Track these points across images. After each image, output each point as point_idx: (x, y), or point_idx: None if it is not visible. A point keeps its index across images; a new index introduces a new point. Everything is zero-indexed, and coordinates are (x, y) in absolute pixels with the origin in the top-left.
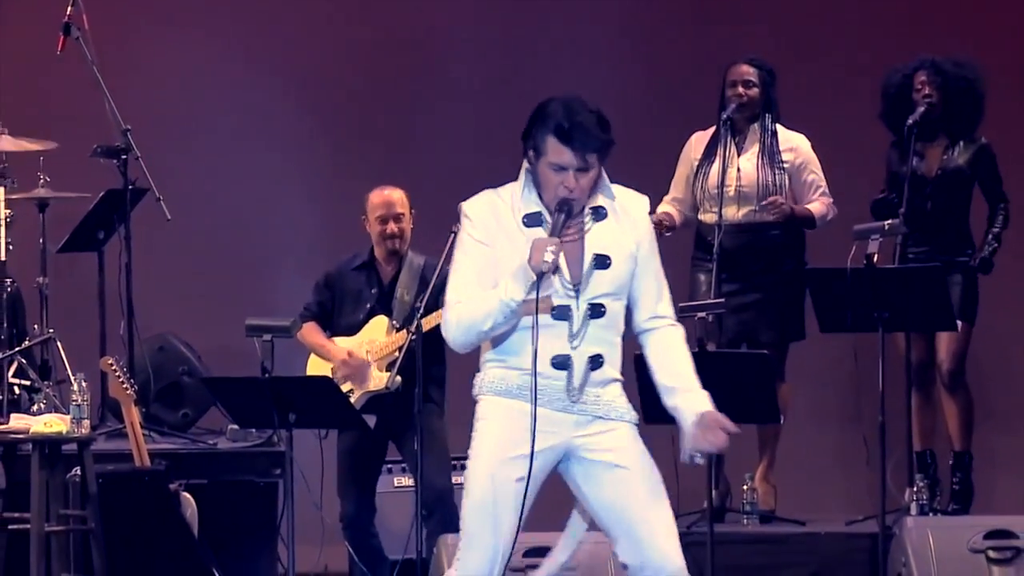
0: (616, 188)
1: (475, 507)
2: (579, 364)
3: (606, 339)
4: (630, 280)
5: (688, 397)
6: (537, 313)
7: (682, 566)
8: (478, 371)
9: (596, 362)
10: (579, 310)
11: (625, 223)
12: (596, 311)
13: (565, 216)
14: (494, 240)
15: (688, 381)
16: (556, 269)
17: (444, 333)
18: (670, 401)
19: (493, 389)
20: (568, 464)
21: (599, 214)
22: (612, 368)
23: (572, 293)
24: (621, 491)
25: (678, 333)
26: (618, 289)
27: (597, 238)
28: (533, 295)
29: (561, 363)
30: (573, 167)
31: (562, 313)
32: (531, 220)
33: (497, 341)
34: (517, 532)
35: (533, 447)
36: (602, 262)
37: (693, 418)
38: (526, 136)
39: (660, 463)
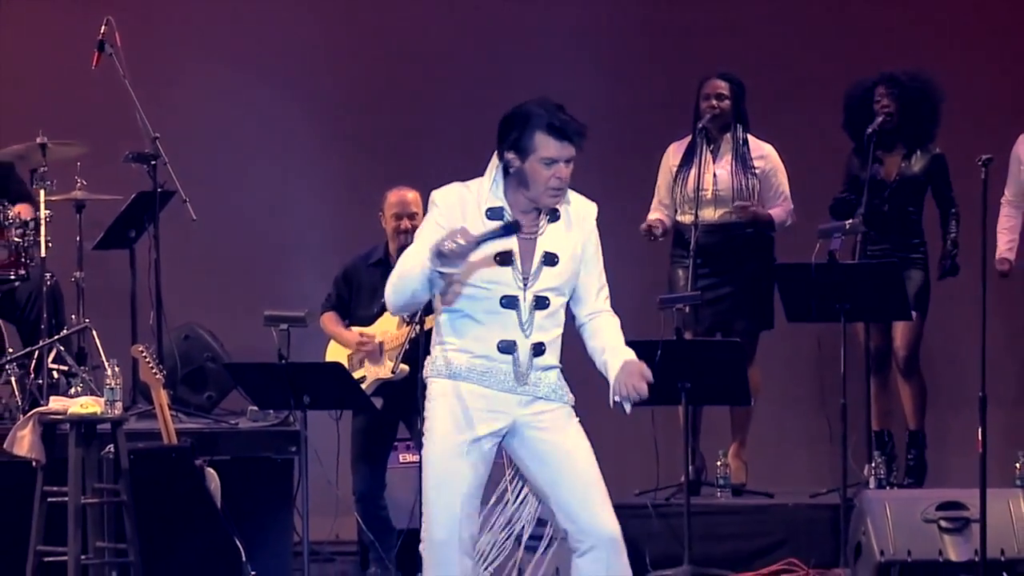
0: (571, 193)
1: (433, 483)
2: (523, 350)
3: (547, 329)
4: (574, 279)
5: (614, 352)
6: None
7: (617, 531)
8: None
9: (538, 350)
10: (526, 301)
11: (574, 226)
12: (541, 303)
13: (503, 232)
14: (454, 226)
15: (615, 342)
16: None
17: (385, 295)
18: (600, 359)
19: (443, 372)
20: (511, 441)
21: (553, 216)
22: (552, 356)
23: (521, 285)
24: (561, 466)
25: (614, 319)
26: (562, 285)
27: (549, 238)
28: (437, 268)
29: (506, 348)
30: (563, 159)
31: (511, 303)
32: (493, 214)
33: (452, 326)
34: (478, 502)
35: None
36: (550, 260)
37: (617, 367)
38: (506, 139)
39: (641, 443)
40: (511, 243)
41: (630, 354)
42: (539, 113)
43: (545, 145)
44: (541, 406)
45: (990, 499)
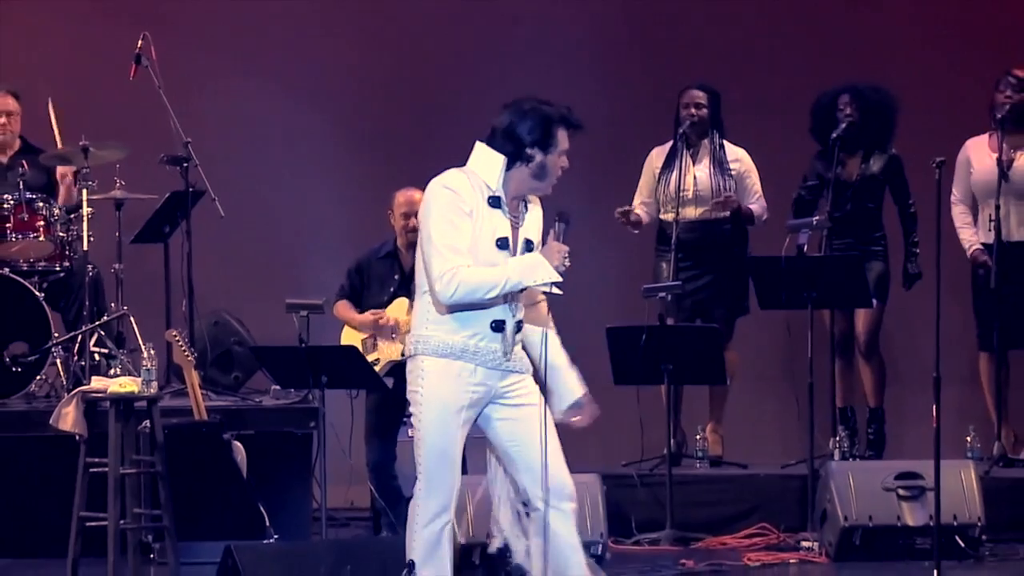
0: None
1: (433, 454)
2: (510, 328)
3: (522, 307)
4: None
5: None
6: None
7: (571, 486)
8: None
9: (519, 326)
10: None
11: (536, 213)
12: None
13: (566, 224)
14: (475, 212)
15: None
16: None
17: (440, 291)
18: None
19: (437, 351)
20: (485, 411)
21: (527, 205)
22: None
23: None
24: (527, 429)
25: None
26: None
27: (527, 226)
28: (538, 286)
29: (498, 327)
30: (564, 150)
31: None
32: (494, 202)
33: (441, 309)
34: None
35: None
36: (529, 246)
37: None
38: (528, 136)
39: (627, 419)
40: (507, 229)
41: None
42: (555, 111)
43: (563, 138)
44: (514, 378)
45: (944, 469)
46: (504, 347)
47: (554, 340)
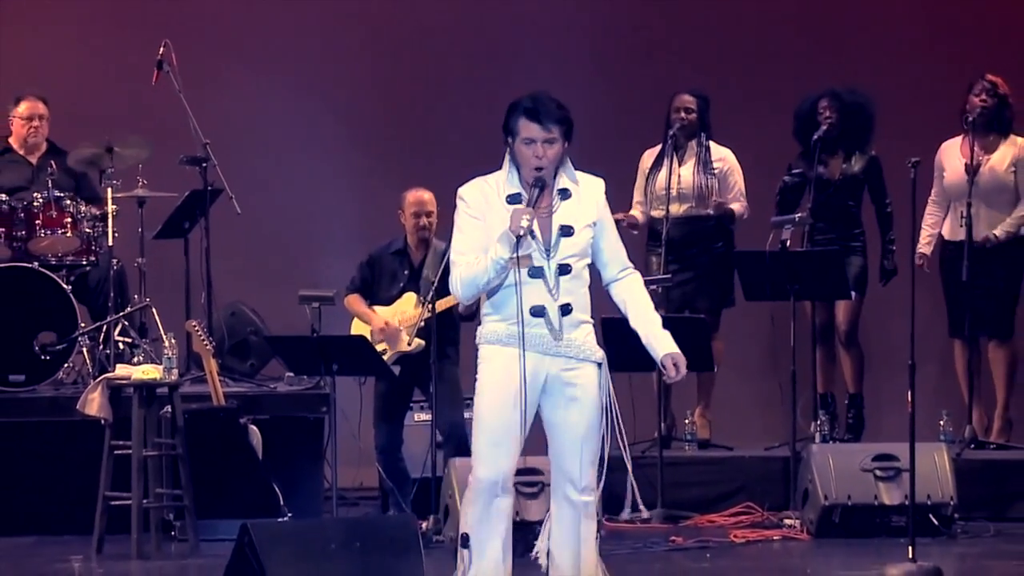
0: (579, 174)
1: (483, 434)
2: (553, 312)
3: (573, 291)
4: (590, 244)
5: (648, 328)
6: (519, 268)
7: (589, 484)
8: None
9: (566, 310)
10: (551, 269)
11: (585, 200)
12: (564, 269)
13: (539, 190)
14: (484, 215)
15: (645, 313)
16: (532, 234)
17: (452, 290)
18: (634, 326)
19: (489, 339)
20: (543, 394)
21: (565, 194)
22: (580, 313)
23: (545, 256)
24: (572, 419)
25: (638, 279)
26: (580, 252)
27: (563, 213)
28: (514, 254)
29: (538, 311)
30: (540, 139)
31: (537, 272)
32: (513, 199)
33: (490, 299)
34: (518, 449)
35: (524, 384)
36: (566, 231)
37: (658, 351)
38: (504, 127)
39: (620, 404)
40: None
41: (666, 338)
42: (522, 100)
43: (525, 127)
44: (571, 362)
45: (918, 452)
46: (551, 331)
47: (642, 309)
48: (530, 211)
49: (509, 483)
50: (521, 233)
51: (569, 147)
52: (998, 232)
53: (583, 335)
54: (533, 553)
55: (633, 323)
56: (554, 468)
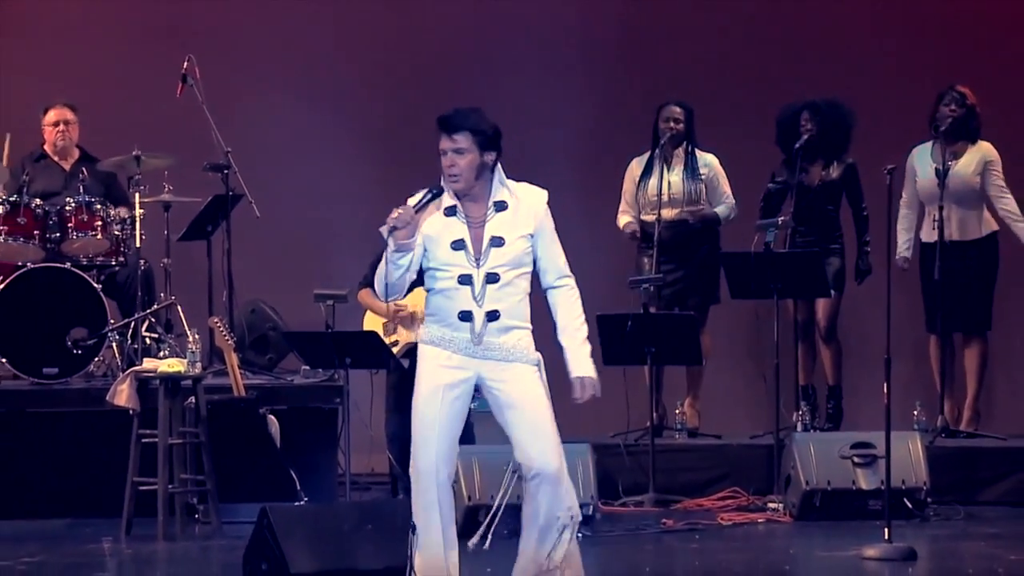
0: (517, 185)
1: (419, 425)
2: (479, 318)
3: (502, 298)
4: (524, 255)
5: (568, 344)
6: (388, 258)
7: (553, 465)
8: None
9: (492, 316)
10: (479, 278)
11: (522, 211)
12: (491, 278)
13: (431, 196)
14: (430, 228)
15: (566, 324)
16: (396, 231)
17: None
18: (560, 338)
19: (424, 339)
20: (483, 392)
21: (500, 206)
22: (510, 319)
23: (474, 265)
24: (514, 412)
25: (571, 292)
26: (511, 261)
27: (496, 224)
28: (390, 247)
29: (465, 316)
30: (449, 149)
31: (465, 279)
32: (449, 211)
33: (429, 304)
34: (453, 439)
35: None
36: (497, 242)
37: (572, 370)
38: None
39: (614, 395)
40: (463, 232)
41: (582, 359)
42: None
43: (440, 138)
44: (499, 365)
45: (893, 440)
46: (472, 335)
47: (568, 323)
48: (407, 209)
49: (442, 475)
50: (392, 225)
51: (499, 158)
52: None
53: (513, 340)
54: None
55: (559, 335)
56: (517, 456)
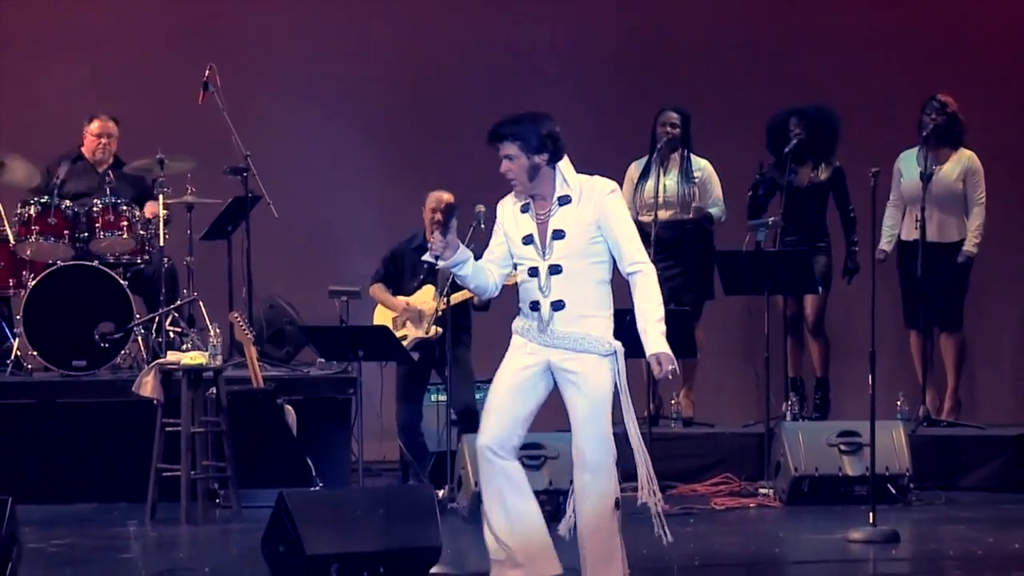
0: (584, 179)
1: (496, 387)
2: (545, 307)
3: (570, 289)
4: (589, 244)
5: (644, 324)
6: (442, 282)
7: (595, 460)
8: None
9: (557, 306)
10: (544, 269)
11: (585, 203)
12: (554, 269)
13: (449, 216)
14: (506, 223)
15: (645, 309)
16: (436, 258)
17: None
18: (638, 322)
19: (514, 328)
20: (554, 378)
21: (564, 200)
22: (580, 308)
23: (540, 257)
24: (572, 402)
25: (644, 277)
26: (576, 252)
27: (559, 218)
28: (438, 269)
29: (534, 306)
30: (502, 156)
31: (534, 271)
32: (525, 208)
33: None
34: (523, 418)
35: None
36: (559, 235)
37: (647, 349)
38: None
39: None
40: (532, 227)
41: (655, 338)
42: None
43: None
44: (568, 354)
45: (877, 429)
46: (540, 323)
47: (641, 306)
48: (439, 235)
49: (503, 449)
50: (431, 255)
51: (556, 157)
52: (970, 248)
53: (584, 329)
54: (558, 528)
55: (636, 319)
56: (573, 447)
